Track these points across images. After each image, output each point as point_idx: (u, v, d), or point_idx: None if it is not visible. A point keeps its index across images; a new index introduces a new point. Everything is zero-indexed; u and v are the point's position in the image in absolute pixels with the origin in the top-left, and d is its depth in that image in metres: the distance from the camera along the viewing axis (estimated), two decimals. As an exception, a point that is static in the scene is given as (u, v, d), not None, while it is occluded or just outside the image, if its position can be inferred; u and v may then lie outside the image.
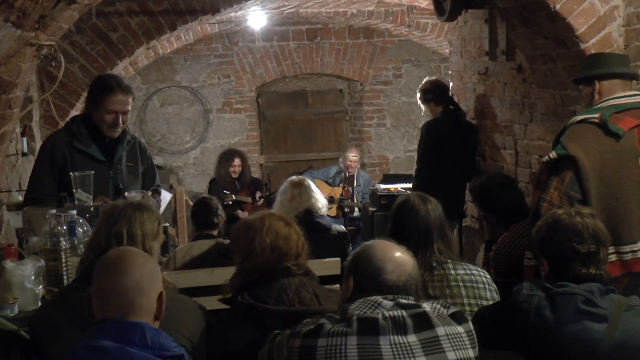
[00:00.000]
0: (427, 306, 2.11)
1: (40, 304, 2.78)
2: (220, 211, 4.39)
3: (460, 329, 2.10)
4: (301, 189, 4.92)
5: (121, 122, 3.67)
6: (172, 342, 1.91)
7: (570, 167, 3.03)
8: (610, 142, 3.03)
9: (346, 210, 7.88)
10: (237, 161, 7.78)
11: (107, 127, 3.66)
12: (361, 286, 2.18)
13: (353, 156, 8.18)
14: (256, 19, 7.84)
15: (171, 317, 2.29)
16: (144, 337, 1.84)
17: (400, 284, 2.15)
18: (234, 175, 7.78)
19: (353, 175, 8.16)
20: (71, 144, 3.65)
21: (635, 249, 3.03)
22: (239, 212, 7.52)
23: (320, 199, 5.02)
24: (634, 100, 3.16)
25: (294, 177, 5.18)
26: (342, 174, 8.19)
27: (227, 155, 7.90)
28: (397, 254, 2.21)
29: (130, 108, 3.72)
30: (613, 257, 2.99)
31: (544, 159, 3.20)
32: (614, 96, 3.18)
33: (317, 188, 5.13)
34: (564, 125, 3.24)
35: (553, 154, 3.11)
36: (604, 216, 2.87)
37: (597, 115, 3.09)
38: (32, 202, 3.49)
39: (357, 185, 8.07)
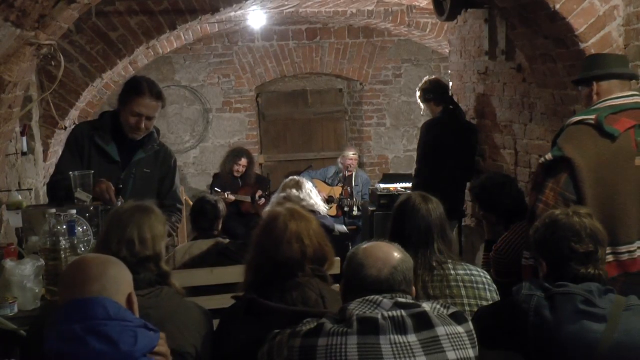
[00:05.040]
0: (426, 306, 2.11)
1: (39, 303, 2.78)
2: (220, 211, 4.39)
3: (460, 328, 2.10)
4: (298, 184, 4.97)
5: (143, 127, 3.63)
6: (132, 315, 1.92)
7: (566, 169, 3.05)
8: (606, 143, 3.04)
9: (346, 209, 7.87)
10: (243, 161, 7.81)
11: (129, 128, 3.64)
12: (348, 287, 2.20)
13: (352, 154, 8.12)
14: (256, 19, 7.83)
15: (177, 323, 2.29)
16: (107, 311, 1.84)
17: (382, 278, 2.13)
18: (236, 174, 7.80)
19: (351, 175, 8.15)
20: (91, 138, 3.65)
21: (631, 249, 3.04)
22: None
23: (316, 196, 5.04)
24: (632, 101, 3.17)
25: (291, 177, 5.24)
26: (341, 174, 8.17)
27: (236, 153, 7.91)
28: (380, 250, 2.20)
29: (156, 115, 3.67)
30: (610, 258, 2.99)
31: (540, 161, 3.21)
32: (612, 97, 3.18)
33: (314, 188, 5.14)
34: (562, 125, 3.25)
35: (549, 155, 3.13)
36: (600, 217, 2.86)
37: (593, 117, 3.09)
38: (56, 184, 3.57)
39: (355, 185, 8.06)
